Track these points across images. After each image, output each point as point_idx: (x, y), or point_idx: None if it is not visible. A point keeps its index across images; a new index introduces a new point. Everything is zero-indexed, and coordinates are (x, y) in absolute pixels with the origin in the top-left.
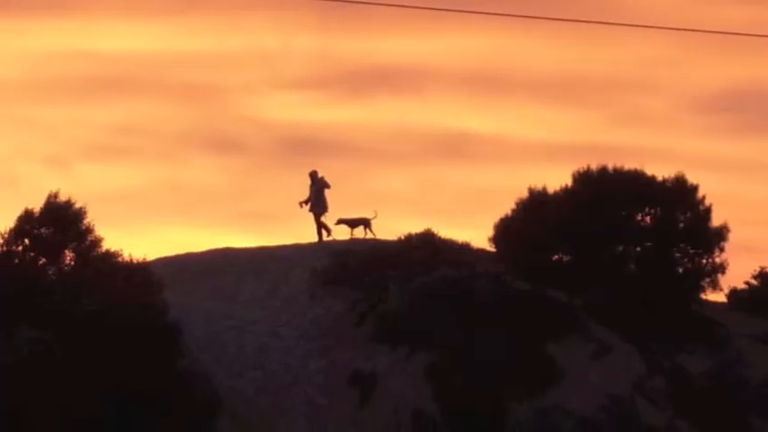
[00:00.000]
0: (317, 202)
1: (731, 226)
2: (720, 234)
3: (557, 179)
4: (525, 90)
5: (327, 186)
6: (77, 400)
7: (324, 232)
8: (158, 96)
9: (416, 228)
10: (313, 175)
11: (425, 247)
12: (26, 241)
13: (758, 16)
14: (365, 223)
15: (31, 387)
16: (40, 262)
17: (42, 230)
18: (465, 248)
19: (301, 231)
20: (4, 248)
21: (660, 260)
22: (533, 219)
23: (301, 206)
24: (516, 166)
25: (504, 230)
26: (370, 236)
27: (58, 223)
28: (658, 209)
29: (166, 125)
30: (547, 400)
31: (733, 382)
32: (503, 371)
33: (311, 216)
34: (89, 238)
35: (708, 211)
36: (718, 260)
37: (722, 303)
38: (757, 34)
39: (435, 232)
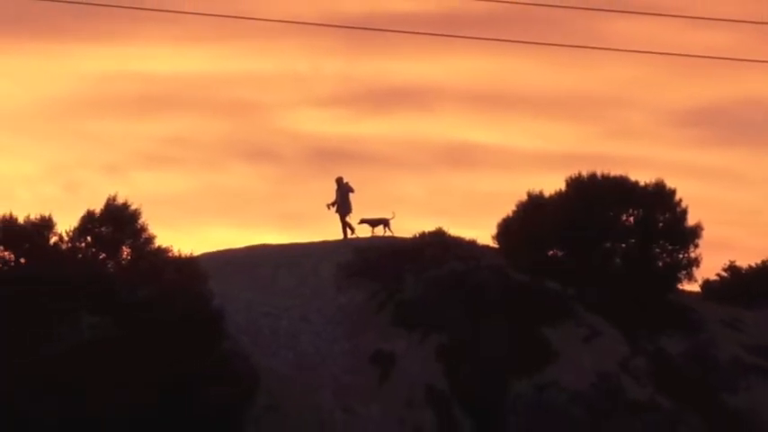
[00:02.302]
0: (342, 204)
1: (705, 225)
2: (695, 232)
3: (552, 184)
4: (524, 106)
5: (351, 190)
6: (133, 378)
7: (348, 231)
8: (203, 112)
9: (429, 227)
10: (339, 180)
11: (437, 243)
12: (88, 239)
13: (727, 42)
14: (384, 223)
15: (92, 366)
16: (101, 257)
17: (102, 229)
18: (471, 245)
19: (328, 230)
20: (70, 245)
21: (642, 255)
22: (532, 219)
23: (329, 208)
24: (516, 173)
25: (506, 229)
26: (388, 234)
27: (117, 223)
28: (641, 210)
29: (210, 137)
30: (543, 377)
31: (706, 362)
32: (505, 352)
33: (337, 216)
34: (143, 236)
35: (684, 212)
36: (693, 255)
37: (697, 293)
38: (726, 57)
39: (445, 231)
